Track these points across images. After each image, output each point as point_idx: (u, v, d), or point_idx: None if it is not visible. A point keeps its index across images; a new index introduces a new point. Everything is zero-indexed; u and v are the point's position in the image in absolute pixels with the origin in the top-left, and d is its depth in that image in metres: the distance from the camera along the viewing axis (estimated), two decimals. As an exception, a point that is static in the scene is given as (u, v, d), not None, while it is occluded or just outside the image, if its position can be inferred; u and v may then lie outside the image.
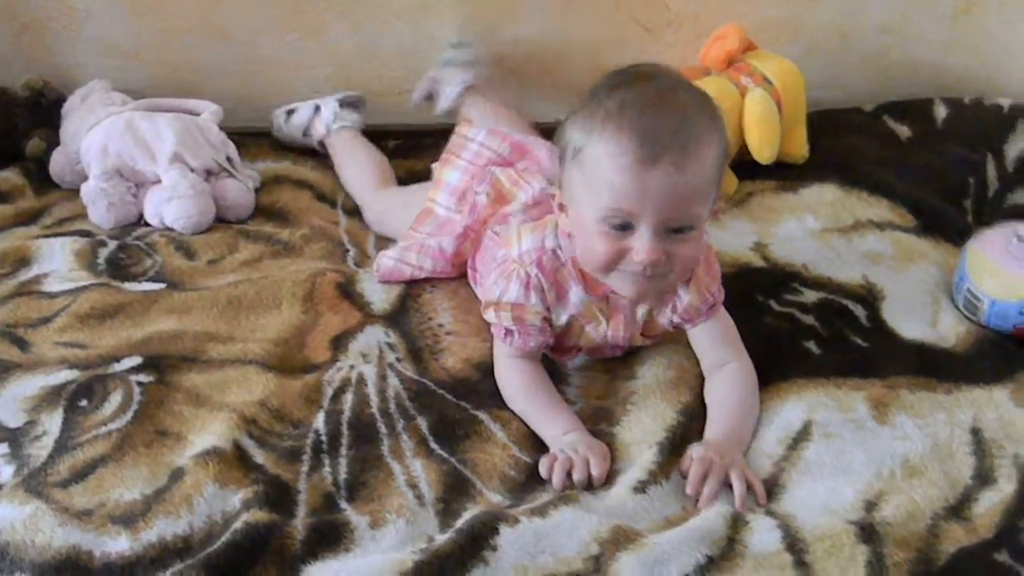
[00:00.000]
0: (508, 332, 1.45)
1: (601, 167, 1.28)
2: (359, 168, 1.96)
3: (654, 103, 1.28)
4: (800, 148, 1.97)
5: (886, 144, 2.05)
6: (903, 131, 2.09)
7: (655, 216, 1.28)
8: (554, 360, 1.52)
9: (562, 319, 1.45)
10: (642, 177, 1.26)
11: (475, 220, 1.61)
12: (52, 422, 1.39)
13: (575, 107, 1.34)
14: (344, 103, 2.05)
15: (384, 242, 1.79)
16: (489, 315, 1.46)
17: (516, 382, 1.46)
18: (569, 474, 1.32)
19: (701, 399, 1.44)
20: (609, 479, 1.34)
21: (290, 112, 2.08)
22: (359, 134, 2.04)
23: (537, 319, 1.44)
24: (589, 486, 1.32)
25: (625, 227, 1.30)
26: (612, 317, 1.46)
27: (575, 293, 1.44)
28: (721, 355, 1.46)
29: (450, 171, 1.71)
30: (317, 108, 2.05)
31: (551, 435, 1.39)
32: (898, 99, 2.17)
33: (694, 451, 1.33)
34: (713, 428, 1.39)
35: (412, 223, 1.71)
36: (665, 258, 1.30)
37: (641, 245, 1.29)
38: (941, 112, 2.11)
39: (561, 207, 1.39)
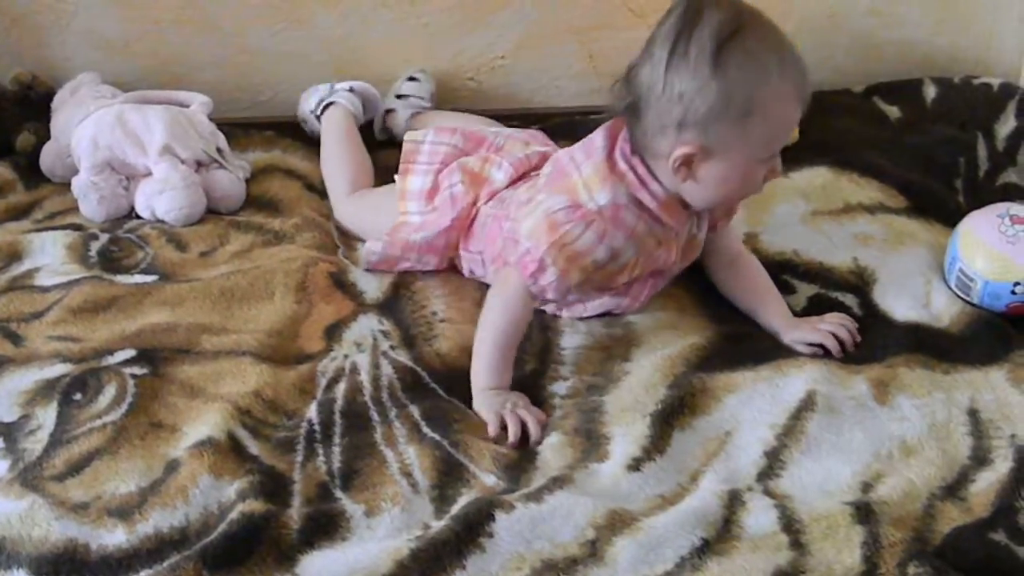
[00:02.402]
0: (541, 271, 1.45)
1: (784, 115, 1.41)
2: (334, 165, 1.90)
3: (781, 41, 1.39)
4: (791, 131, 1.96)
5: (876, 125, 2.04)
6: (893, 112, 2.09)
7: None
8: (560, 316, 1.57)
9: (628, 254, 1.48)
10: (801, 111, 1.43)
11: (459, 210, 1.61)
12: (46, 416, 1.39)
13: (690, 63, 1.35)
14: (354, 90, 2.00)
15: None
16: (536, 249, 1.45)
17: (502, 320, 1.47)
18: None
19: (692, 375, 1.44)
20: (603, 452, 1.35)
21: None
22: (349, 121, 1.97)
23: (588, 268, 1.46)
24: (524, 442, 1.38)
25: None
26: (666, 242, 1.51)
27: (645, 230, 1.47)
28: (735, 246, 1.63)
29: (411, 178, 1.69)
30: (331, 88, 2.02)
31: (485, 384, 1.44)
32: (888, 80, 2.16)
33: (808, 336, 1.51)
34: (781, 309, 1.57)
35: (388, 232, 1.67)
36: None
37: (778, 163, 1.46)
38: (931, 92, 2.10)
39: (688, 161, 1.40)
